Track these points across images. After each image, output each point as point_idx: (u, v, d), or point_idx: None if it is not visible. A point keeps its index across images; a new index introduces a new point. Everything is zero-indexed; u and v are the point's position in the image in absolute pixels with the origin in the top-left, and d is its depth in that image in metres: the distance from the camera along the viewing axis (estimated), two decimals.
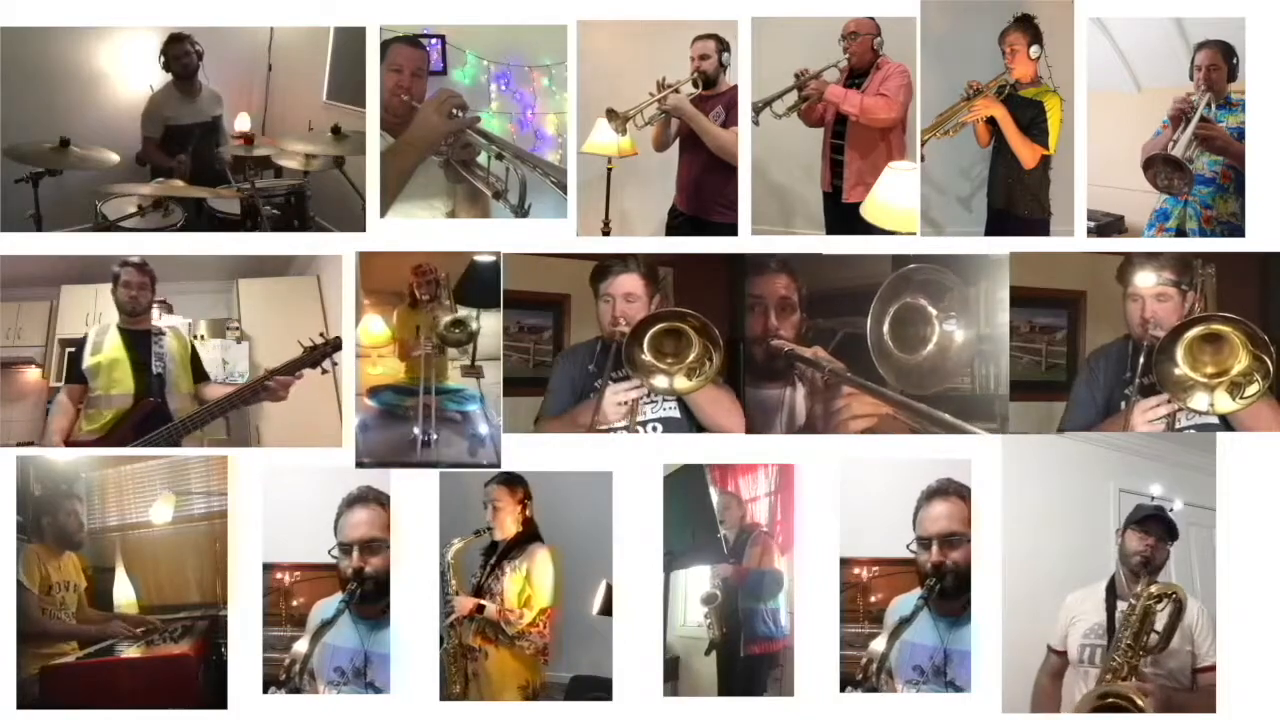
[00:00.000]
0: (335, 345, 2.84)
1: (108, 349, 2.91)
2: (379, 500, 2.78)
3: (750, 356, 2.83)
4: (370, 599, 2.76)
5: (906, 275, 2.79)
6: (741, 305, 2.82)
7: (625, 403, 2.78)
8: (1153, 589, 2.62)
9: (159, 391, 2.90)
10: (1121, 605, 2.67)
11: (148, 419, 2.87)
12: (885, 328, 2.77)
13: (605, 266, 2.82)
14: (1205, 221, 2.86)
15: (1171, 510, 2.71)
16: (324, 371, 2.85)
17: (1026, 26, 2.89)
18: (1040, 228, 2.91)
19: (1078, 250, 2.83)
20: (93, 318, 2.98)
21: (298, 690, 2.74)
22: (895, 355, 2.78)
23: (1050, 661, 2.75)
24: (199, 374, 2.97)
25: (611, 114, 2.95)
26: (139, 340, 2.93)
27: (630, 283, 2.80)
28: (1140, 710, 2.56)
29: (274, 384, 2.84)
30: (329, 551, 2.76)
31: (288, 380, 2.85)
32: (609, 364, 2.79)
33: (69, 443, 2.85)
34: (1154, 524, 2.69)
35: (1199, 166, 2.82)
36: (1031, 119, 2.91)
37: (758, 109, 2.91)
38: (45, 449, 2.83)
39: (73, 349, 2.95)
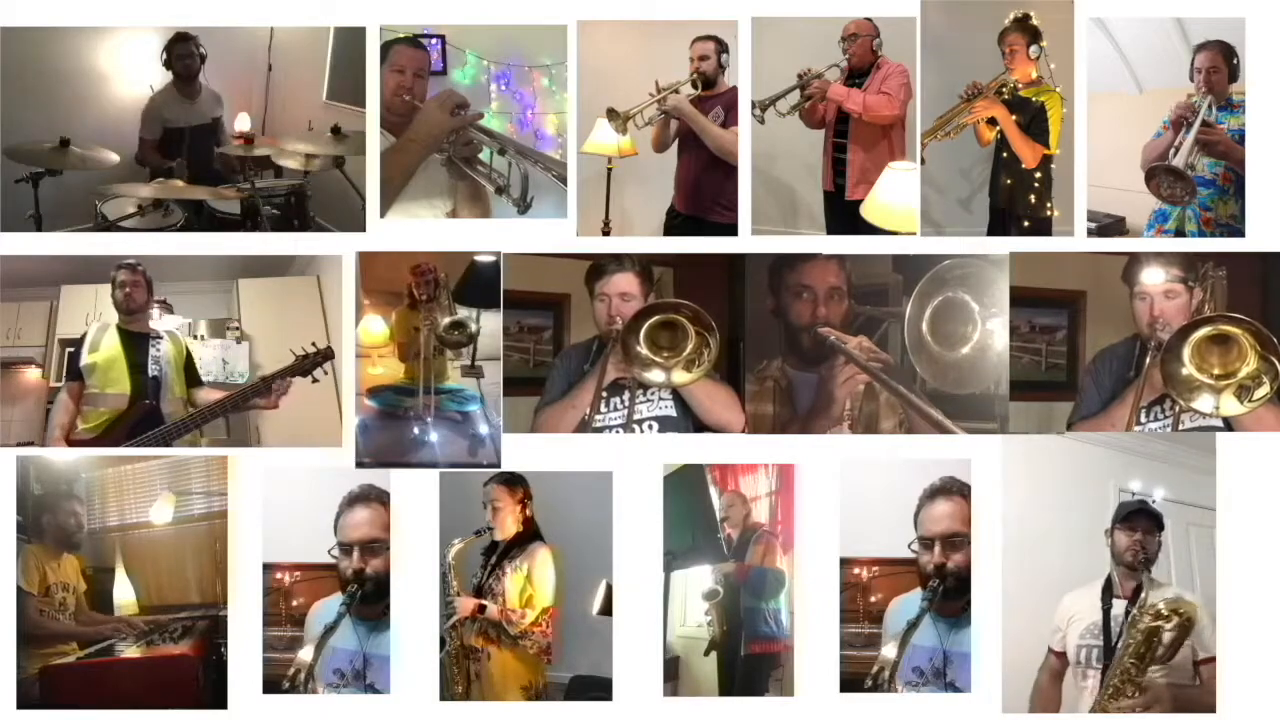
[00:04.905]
0: (327, 355, 2.85)
1: (105, 348, 2.91)
2: (380, 499, 2.78)
3: (796, 342, 2.83)
4: (370, 600, 2.76)
5: (946, 269, 2.80)
6: (741, 305, 2.82)
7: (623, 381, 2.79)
8: (1161, 606, 2.61)
9: (154, 394, 2.90)
10: (1117, 607, 2.66)
11: (142, 421, 2.87)
12: (924, 323, 2.78)
13: (600, 266, 2.82)
14: (1205, 223, 2.85)
15: (1154, 501, 2.70)
16: (314, 380, 2.86)
17: (1025, 27, 2.89)
18: (1043, 227, 2.91)
19: (1078, 250, 2.84)
20: (93, 318, 2.97)
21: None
22: (933, 350, 2.79)
23: (1050, 662, 2.74)
24: (193, 379, 2.97)
25: (612, 113, 2.96)
26: (137, 341, 2.93)
27: (625, 282, 2.81)
28: None
29: (274, 388, 2.84)
30: (329, 551, 2.76)
31: (280, 387, 2.85)
32: (606, 360, 2.80)
33: (70, 441, 2.86)
34: (1139, 518, 2.68)
35: (1199, 169, 2.82)
36: (1032, 118, 2.91)
37: (761, 107, 2.91)
38: (45, 449, 2.84)
39: (72, 348, 2.96)
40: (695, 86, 3.01)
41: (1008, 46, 2.92)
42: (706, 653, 2.80)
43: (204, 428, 2.90)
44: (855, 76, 3.02)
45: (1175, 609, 2.60)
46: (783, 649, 2.79)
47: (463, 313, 2.84)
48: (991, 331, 2.79)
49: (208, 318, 3.07)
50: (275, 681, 2.74)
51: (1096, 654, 2.67)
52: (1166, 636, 2.60)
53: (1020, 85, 2.92)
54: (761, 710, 2.79)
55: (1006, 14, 2.90)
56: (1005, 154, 2.96)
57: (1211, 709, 2.70)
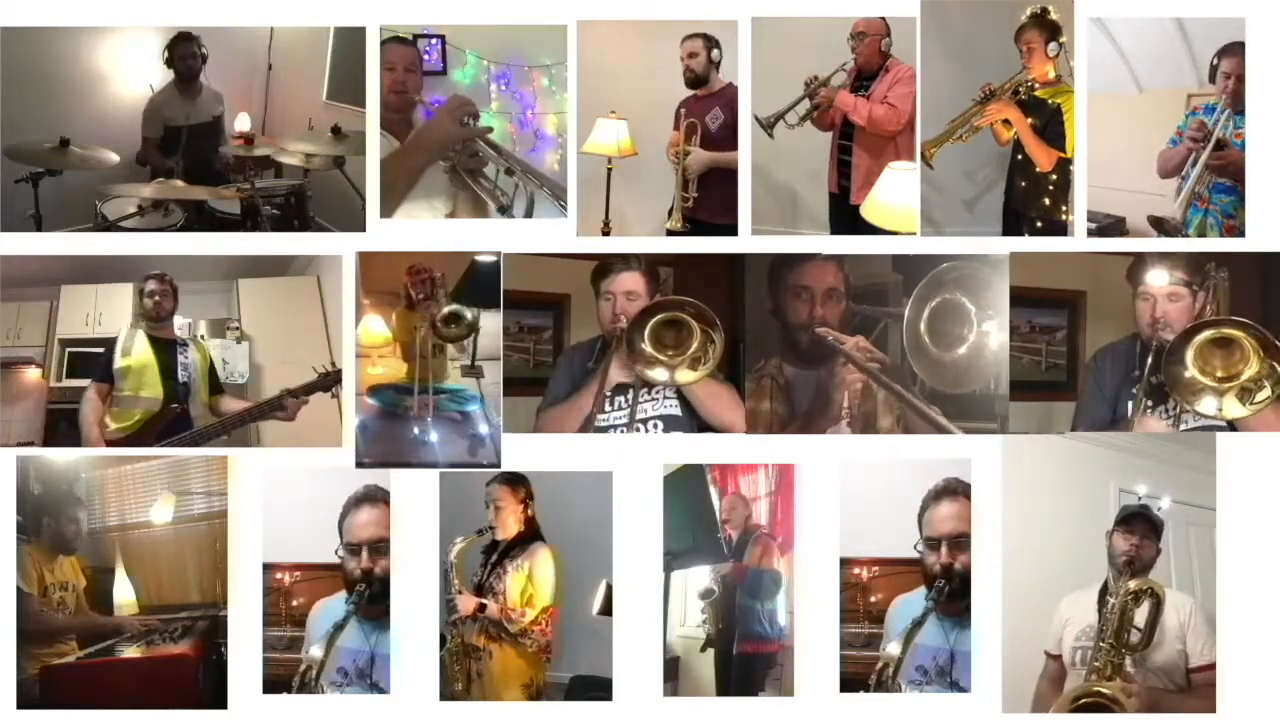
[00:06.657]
0: (338, 377, 2.86)
1: (137, 353, 2.96)
2: (385, 500, 2.78)
3: (794, 342, 2.83)
4: (377, 599, 2.76)
5: (944, 272, 2.80)
6: (741, 306, 2.82)
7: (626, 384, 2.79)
8: (1131, 584, 2.61)
9: (184, 399, 2.95)
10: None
11: (173, 424, 2.92)
12: (922, 324, 2.78)
13: (607, 265, 2.83)
14: (1227, 230, 2.82)
15: (1160, 508, 2.69)
16: (333, 396, 2.88)
17: (1044, 23, 2.83)
18: (1057, 231, 2.87)
19: (1078, 250, 2.83)
20: (93, 318, 2.98)
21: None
22: (930, 351, 2.79)
23: (1049, 667, 2.74)
24: (214, 386, 3.01)
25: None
26: (167, 347, 2.98)
27: (631, 281, 2.81)
28: (1123, 710, 2.56)
29: (289, 405, 2.88)
30: (335, 551, 2.76)
31: (299, 402, 2.89)
32: (609, 361, 2.80)
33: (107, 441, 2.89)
34: (1138, 522, 2.67)
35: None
36: (1048, 121, 2.86)
37: (771, 122, 2.90)
38: (45, 449, 2.84)
39: (74, 347, 2.99)
40: (688, 85, 3.01)
41: (1025, 44, 2.86)
42: (703, 649, 2.80)
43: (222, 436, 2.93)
44: (863, 79, 2.99)
45: (1141, 587, 2.60)
46: (777, 649, 2.79)
47: (458, 305, 2.83)
48: (987, 333, 2.79)
49: (208, 318, 3.07)
50: (283, 681, 2.75)
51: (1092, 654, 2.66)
52: (1138, 616, 2.59)
53: (1037, 85, 2.87)
54: (761, 710, 2.79)
55: (1013, 13, 2.86)
56: (1020, 156, 2.92)
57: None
